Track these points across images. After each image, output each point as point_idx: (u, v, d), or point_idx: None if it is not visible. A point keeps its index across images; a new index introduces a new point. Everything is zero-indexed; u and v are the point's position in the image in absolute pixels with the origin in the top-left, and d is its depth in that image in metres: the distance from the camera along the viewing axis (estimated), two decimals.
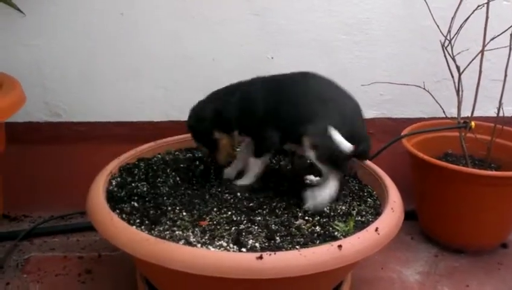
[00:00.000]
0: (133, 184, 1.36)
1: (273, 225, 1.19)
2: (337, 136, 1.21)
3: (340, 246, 1.03)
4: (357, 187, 1.42)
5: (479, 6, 1.56)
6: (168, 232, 1.13)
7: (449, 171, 1.52)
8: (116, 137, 1.78)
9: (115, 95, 1.76)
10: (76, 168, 1.73)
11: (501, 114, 1.60)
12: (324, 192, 1.27)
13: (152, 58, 1.73)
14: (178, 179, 1.42)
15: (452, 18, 1.60)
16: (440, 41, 1.61)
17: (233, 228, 1.16)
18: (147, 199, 1.29)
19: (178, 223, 1.18)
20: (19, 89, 1.38)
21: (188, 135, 1.62)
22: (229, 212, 1.25)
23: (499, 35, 1.56)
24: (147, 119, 1.79)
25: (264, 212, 1.26)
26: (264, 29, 1.73)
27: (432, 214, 1.71)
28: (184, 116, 1.79)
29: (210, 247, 1.07)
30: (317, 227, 1.19)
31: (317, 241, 1.12)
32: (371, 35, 1.78)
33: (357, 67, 1.80)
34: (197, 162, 1.52)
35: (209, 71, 1.76)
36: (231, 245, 1.09)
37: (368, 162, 1.46)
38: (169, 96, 1.77)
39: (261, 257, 0.98)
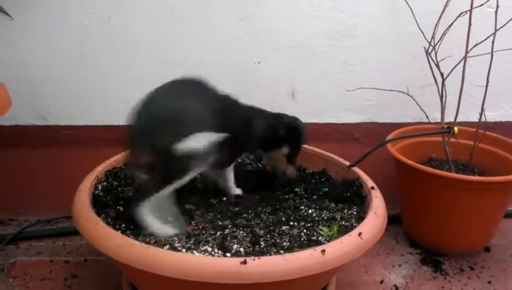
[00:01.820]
0: (119, 189, 1.36)
1: (257, 230, 1.20)
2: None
3: (323, 251, 1.05)
4: (341, 191, 1.43)
5: (461, 13, 1.59)
6: (153, 237, 1.14)
7: (432, 176, 1.54)
8: (104, 141, 1.77)
9: (102, 99, 1.76)
10: (63, 172, 1.73)
11: (483, 119, 1.63)
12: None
13: (140, 63, 1.74)
14: None
15: (436, 24, 1.62)
16: (424, 47, 1.64)
17: (218, 233, 1.17)
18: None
19: None
20: (4, 92, 1.37)
21: None
22: (215, 217, 1.25)
23: (481, 42, 1.59)
24: None
25: (249, 217, 1.27)
26: (251, 34, 1.74)
27: (416, 218, 1.73)
28: None
29: (195, 252, 1.08)
30: (302, 232, 1.20)
31: (302, 246, 1.13)
32: (358, 41, 1.80)
33: (344, 73, 1.82)
34: None
35: (197, 76, 1.76)
36: (216, 250, 1.10)
37: (353, 167, 1.48)
38: None
39: (245, 262, 0.99)
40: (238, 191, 1.43)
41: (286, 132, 1.41)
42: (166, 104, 1.22)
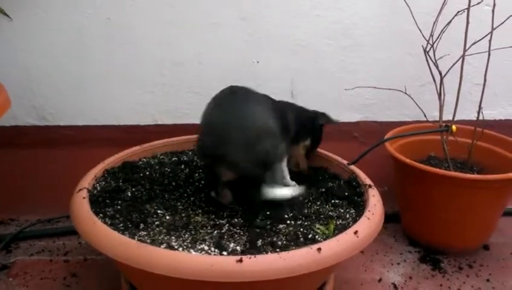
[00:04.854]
0: (117, 188, 1.36)
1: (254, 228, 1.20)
2: None
3: (319, 249, 1.05)
4: (338, 189, 1.43)
5: (459, 11, 1.58)
6: (150, 236, 1.15)
7: (429, 174, 1.54)
8: (103, 141, 1.78)
9: (102, 99, 1.77)
10: (63, 172, 1.73)
11: (481, 118, 1.63)
12: None
13: (140, 63, 1.75)
14: (162, 182, 1.43)
15: (434, 23, 1.62)
16: (422, 46, 1.64)
17: (215, 232, 1.18)
18: (130, 203, 1.30)
19: (161, 227, 1.19)
20: (3, 93, 1.38)
21: (173, 139, 1.64)
22: (212, 216, 1.26)
23: (479, 40, 1.58)
24: (133, 123, 1.80)
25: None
26: (250, 33, 1.75)
27: (415, 217, 1.73)
28: (171, 120, 1.82)
29: (192, 251, 1.09)
30: (299, 231, 1.20)
31: (298, 244, 1.13)
32: (357, 40, 1.80)
33: (343, 72, 1.83)
34: (182, 166, 1.53)
35: (196, 75, 1.77)
36: (212, 249, 1.10)
37: (350, 166, 1.48)
38: (157, 100, 1.79)
39: (241, 260, 1.00)
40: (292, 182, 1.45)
41: (313, 124, 1.51)
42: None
